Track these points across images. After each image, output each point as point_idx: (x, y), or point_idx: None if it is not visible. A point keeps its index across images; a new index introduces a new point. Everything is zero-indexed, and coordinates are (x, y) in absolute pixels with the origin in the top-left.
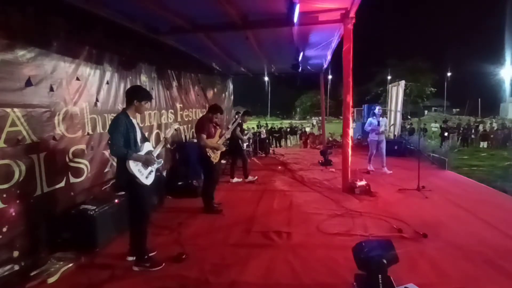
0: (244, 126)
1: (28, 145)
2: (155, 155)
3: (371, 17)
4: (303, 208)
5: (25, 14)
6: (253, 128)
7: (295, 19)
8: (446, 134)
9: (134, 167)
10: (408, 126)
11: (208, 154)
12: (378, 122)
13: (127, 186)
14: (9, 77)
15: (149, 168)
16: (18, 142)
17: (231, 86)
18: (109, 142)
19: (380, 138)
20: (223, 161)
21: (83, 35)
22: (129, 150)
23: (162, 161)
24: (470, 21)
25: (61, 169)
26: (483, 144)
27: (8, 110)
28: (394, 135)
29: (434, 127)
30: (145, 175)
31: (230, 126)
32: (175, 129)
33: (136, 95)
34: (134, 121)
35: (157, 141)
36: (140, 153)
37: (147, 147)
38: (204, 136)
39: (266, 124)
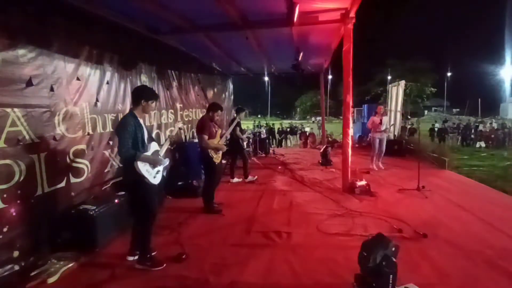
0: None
1: (28, 145)
2: (161, 154)
3: (371, 17)
4: (303, 208)
5: (25, 14)
6: (248, 128)
7: (295, 19)
8: (442, 134)
9: (142, 167)
10: (409, 126)
11: (210, 154)
12: (381, 120)
13: (133, 185)
14: (10, 77)
15: (156, 168)
16: (18, 142)
17: (231, 86)
18: (110, 142)
19: (382, 136)
20: (223, 161)
21: (83, 35)
22: (137, 151)
23: (168, 160)
24: (470, 21)
25: (61, 169)
26: (480, 144)
27: (8, 110)
28: (394, 135)
29: (435, 127)
30: (153, 175)
31: (229, 127)
32: (180, 128)
33: (143, 95)
34: (141, 121)
35: (157, 141)
36: (147, 153)
37: (153, 147)
38: (206, 137)
39: (266, 124)
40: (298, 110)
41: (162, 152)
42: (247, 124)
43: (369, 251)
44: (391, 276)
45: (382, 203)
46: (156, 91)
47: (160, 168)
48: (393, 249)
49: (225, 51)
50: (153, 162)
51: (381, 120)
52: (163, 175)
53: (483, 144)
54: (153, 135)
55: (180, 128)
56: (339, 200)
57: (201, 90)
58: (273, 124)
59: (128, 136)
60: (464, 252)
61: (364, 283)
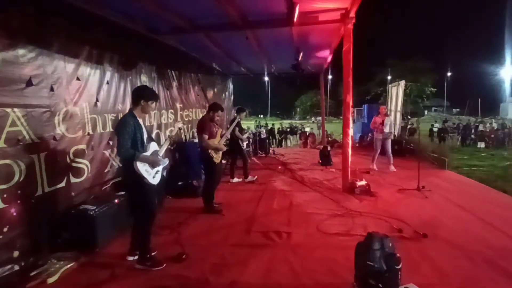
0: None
1: (28, 145)
2: (161, 154)
3: (371, 17)
4: (303, 208)
5: (25, 14)
6: (249, 128)
7: (295, 19)
8: (442, 134)
9: (142, 167)
10: (409, 126)
11: (210, 154)
12: (383, 121)
13: (133, 185)
14: (10, 77)
15: (156, 168)
16: (18, 142)
17: (231, 86)
18: (110, 142)
19: (384, 136)
20: (223, 161)
21: (83, 35)
22: (136, 151)
23: (168, 160)
24: (470, 21)
25: (61, 169)
26: (480, 144)
27: (8, 110)
28: (394, 135)
29: (435, 127)
30: (152, 175)
31: (229, 126)
32: (179, 128)
33: (142, 95)
34: (140, 121)
35: (157, 141)
36: (146, 153)
37: (153, 147)
38: (206, 136)
39: (266, 124)
40: (298, 110)
41: (162, 152)
42: (248, 124)
43: (371, 255)
44: (400, 272)
45: (382, 203)
46: (156, 91)
47: (160, 168)
48: (391, 244)
49: (225, 51)
50: (152, 162)
51: (383, 120)
52: (163, 175)
53: (482, 145)
54: (153, 135)
55: (180, 128)
56: (339, 200)
57: (201, 90)
58: (273, 124)
59: (127, 136)
60: (464, 252)
61: (367, 285)
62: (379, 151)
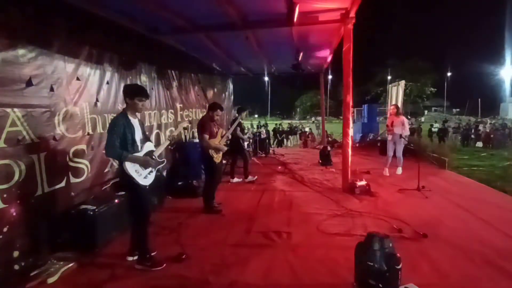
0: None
1: (28, 145)
2: (156, 155)
3: (371, 17)
4: (303, 208)
5: (25, 14)
6: (250, 127)
7: (295, 19)
8: (442, 134)
9: (131, 168)
10: (409, 126)
11: (211, 154)
12: (392, 122)
13: (126, 186)
14: (10, 77)
15: (148, 169)
16: (18, 142)
17: (231, 86)
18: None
19: (393, 139)
20: (224, 161)
21: (83, 35)
22: (124, 151)
23: (165, 161)
24: (470, 21)
25: (61, 169)
26: (478, 144)
27: (8, 110)
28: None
29: (435, 127)
30: (143, 176)
31: (230, 126)
32: (184, 128)
33: (127, 93)
34: (134, 120)
35: (157, 141)
36: (140, 153)
37: (148, 147)
38: (207, 136)
39: (266, 124)
40: (298, 110)
41: (158, 153)
42: (249, 125)
43: (372, 256)
44: (400, 272)
45: (382, 203)
46: (156, 91)
47: (154, 168)
48: (391, 244)
49: (225, 51)
50: (143, 163)
51: (392, 121)
52: (162, 175)
53: (480, 144)
54: (153, 135)
55: (184, 128)
56: (339, 200)
57: (201, 90)
58: (275, 124)
59: (115, 135)
60: (464, 252)
61: (367, 285)
62: (391, 155)
